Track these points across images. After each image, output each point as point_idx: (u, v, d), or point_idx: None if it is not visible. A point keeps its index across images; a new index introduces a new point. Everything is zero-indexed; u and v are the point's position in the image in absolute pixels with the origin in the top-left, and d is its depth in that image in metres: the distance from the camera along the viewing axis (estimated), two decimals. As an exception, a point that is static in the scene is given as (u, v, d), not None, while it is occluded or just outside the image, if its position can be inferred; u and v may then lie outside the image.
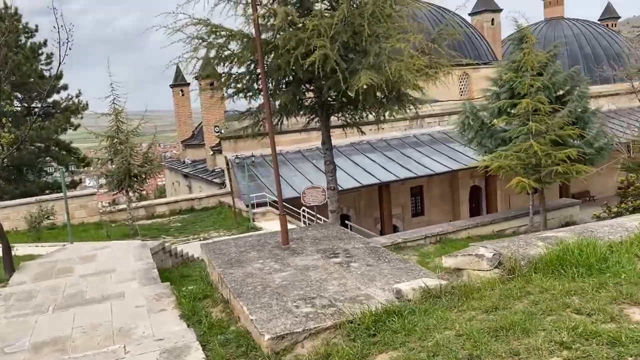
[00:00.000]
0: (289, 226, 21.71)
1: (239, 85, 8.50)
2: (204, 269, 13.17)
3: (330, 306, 4.92)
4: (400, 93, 8.34)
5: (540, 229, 18.55)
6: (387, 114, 8.98)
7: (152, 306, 6.35)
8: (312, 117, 9.37)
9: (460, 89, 34.43)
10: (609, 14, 50.79)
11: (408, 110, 9.29)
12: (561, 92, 16.69)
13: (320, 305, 4.92)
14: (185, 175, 33.55)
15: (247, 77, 7.74)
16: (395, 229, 27.11)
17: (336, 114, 9.13)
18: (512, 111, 17.79)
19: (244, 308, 5.05)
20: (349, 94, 7.22)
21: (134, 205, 21.74)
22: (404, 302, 4.82)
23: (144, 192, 23.46)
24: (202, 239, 20.00)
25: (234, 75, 8.64)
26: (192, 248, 17.21)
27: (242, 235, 17.81)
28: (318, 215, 21.18)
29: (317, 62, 6.84)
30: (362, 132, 10.74)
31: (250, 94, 8.34)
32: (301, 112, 9.30)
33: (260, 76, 7.78)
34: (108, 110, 19.78)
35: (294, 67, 7.42)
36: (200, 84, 30.42)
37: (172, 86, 36.21)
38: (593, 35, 41.87)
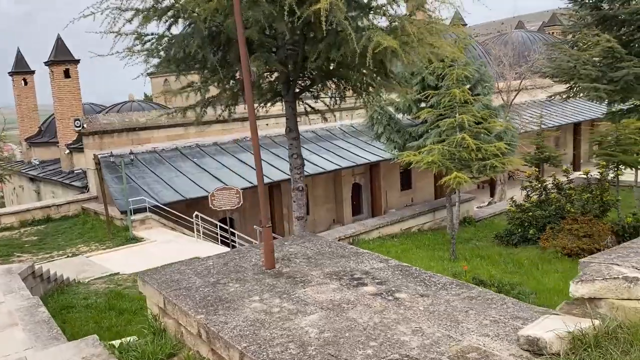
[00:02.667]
0: (175, 237, 18.93)
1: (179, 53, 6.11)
2: (140, 303, 10.23)
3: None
4: (388, 68, 6.71)
5: (450, 225, 18.25)
6: (363, 94, 7.21)
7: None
8: (267, 98, 7.32)
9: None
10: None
11: (396, 90, 7.67)
12: (469, 86, 16.41)
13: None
14: (32, 179, 28.48)
15: (196, 41, 5.47)
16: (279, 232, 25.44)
17: (300, 95, 7.21)
18: (422, 104, 17.20)
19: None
20: (343, 61, 5.41)
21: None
22: (548, 358, 3.20)
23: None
24: (70, 254, 16.50)
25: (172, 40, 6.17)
26: (60, 267, 13.89)
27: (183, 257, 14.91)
28: (218, 224, 18.72)
29: (323, 13, 4.94)
30: (325, 119, 8.85)
31: (198, 65, 6.06)
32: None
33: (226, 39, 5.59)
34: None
35: (272, 25, 5.38)
36: (51, 71, 25.97)
37: (11, 74, 30.61)
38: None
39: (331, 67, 6.14)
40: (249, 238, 20.48)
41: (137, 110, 26.74)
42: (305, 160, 25.93)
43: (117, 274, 14.00)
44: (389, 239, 17.16)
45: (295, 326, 3.96)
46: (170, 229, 19.64)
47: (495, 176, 22.47)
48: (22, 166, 29.90)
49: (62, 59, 25.14)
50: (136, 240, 17.78)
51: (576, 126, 38.58)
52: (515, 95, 27.68)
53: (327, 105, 8.42)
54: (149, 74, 29.74)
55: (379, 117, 16.88)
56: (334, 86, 7.13)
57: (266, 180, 23.27)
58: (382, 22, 6.11)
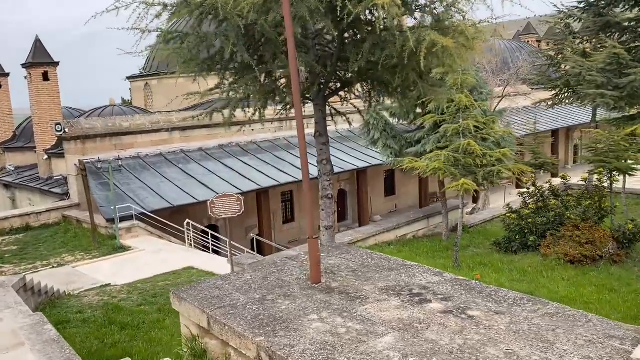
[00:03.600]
0: (164, 246, 18.31)
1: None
2: (141, 317, 9.56)
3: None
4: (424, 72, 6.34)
5: (443, 232, 18.10)
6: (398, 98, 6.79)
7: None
8: (288, 102, 6.89)
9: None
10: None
11: (436, 94, 7.30)
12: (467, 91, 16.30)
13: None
14: (7, 185, 27.36)
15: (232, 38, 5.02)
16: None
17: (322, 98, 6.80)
18: (418, 110, 17.04)
19: None
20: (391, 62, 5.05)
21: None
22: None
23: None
24: (55, 265, 15.77)
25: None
26: (46, 279, 13.17)
27: (218, 272, 14.31)
28: (210, 232, 18.15)
29: (382, 10, 4.59)
30: (350, 123, 8.27)
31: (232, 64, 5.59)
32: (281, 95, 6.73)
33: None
34: None
35: (317, 20, 5.00)
36: (29, 73, 25.00)
37: (-16, 76, 29.43)
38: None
39: (367, 69, 5.83)
40: (241, 247, 19.99)
41: (118, 115, 25.96)
42: (292, 167, 25.66)
43: (109, 285, 13.37)
44: (385, 246, 16.90)
45: (372, 350, 3.60)
46: (157, 237, 19.01)
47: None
48: (-4, 172, 28.72)
49: (40, 61, 24.23)
50: (124, 249, 17.11)
51: (554, 132, 39.13)
52: (499, 102, 27.85)
53: (356, 108, 8.06)
54: (147, 74, 28.97)
55: (375, 122, 16.64)
56: (361, 89, 6.79)
57: (254, 186, 22.87)
58: (417, 21, 5.86)
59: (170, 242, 18.94)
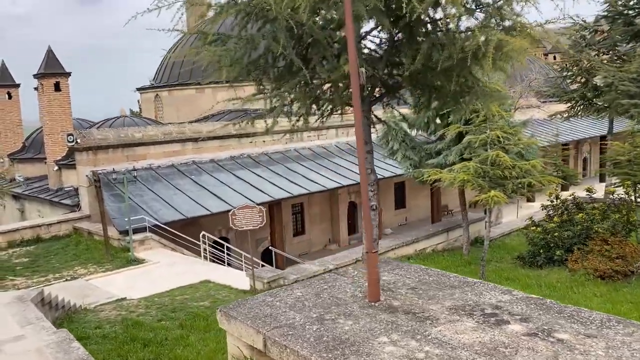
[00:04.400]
0: (179, 259, 17.94)
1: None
2: (165, 333, 9.12)
3: None
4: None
5: (464, 246, 17.71)
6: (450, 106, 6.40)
7: None
8: (331, 108, 6.52)
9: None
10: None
11: (493, 100, 6.97)
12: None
13: None
14: (16, 196, 27.07)
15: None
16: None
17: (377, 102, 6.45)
18: (437, 121, 16.74)
19: None
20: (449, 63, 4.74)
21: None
22: None
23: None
24: (68, 278, 15.41)
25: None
26: (60, 292, 12.76)
27: (267, 289, 13.86)
28: (233, 247, 17.77)
29: (455, 8, 4.31)
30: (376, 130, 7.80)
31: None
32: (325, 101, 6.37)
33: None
34: None
35: (369, 19, 4.71)
36: (41, 84, 24.84)
37: (-6, 86, 29.30)
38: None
39: (417, 72, 5.51)
40: (256, 260, 19.60)
41: (129, 126, 25.75)
42: (303, 178, 25.35)
43: (124, 299, 12.99)
44: (404, 260, 16.50)
45: (462, 378, 3.25)
46: (170, 250, 18.65)
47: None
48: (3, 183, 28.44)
49: (52, 71, 24.06)
50: (137, 262, 16.75)
51: (563, 145, 38.81)
52: (513, 114, 27.56)
53: (402, 115, 7.74)
54: (158, 86, 28.73)
55: (394, 133, 16.34)
56: (410, 95, 6.47)
57: (266, 198, 22.50)
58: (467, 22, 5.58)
59: (184, 254, 18.58)
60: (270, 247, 21.74)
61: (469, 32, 4.98)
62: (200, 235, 17.37)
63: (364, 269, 5.68)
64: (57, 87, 24.22)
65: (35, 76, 24.64)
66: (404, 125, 16.99)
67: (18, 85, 29.69)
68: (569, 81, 24.56)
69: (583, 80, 22.69)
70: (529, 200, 30.95)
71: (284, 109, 5.59)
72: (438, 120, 16.55)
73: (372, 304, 4.58)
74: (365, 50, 5.90)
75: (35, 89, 33.36)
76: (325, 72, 5.18)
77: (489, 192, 12.07)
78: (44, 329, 7.32)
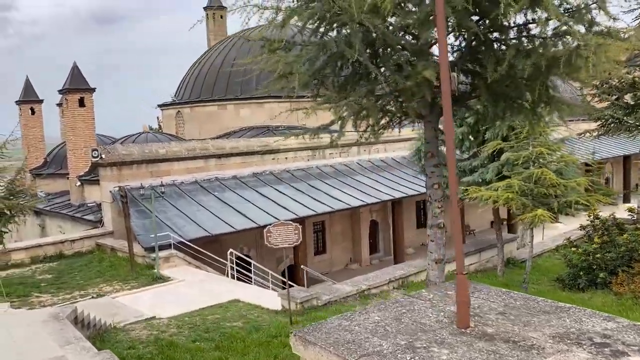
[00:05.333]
0: (205, 276, 17.58)
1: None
2: (200, 355, 8.68)
3: None
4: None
5: (499, 267, 17.15)
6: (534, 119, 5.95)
7: None
8: (393, 119, 6.20)
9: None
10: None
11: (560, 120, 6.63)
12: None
13: None
14: (37, 212, 26.94)
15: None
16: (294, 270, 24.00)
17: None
18: (470, 137, 16.36)
19: None
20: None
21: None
22: None
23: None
24: (94, 295, 15.09)
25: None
26: (87, 310, 12.39)
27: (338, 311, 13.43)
28: (259, 266, 17.37)
29: (547, 5, 4.01)
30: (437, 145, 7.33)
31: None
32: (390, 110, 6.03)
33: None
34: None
35: (455, 19, 4.39)
36: (66, 99, 24.89)
37: (19, 102, 29.48)
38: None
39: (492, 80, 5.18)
40: (281, 277, 19.19)
41: (152, 142, 25.64)
42: (327, 196, 24.96)
43: (154, 318, 12.63)
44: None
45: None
46: (194, 267, 18.30)
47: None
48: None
49: (77, 87, 24.09)
50: (163, 279, 16.41)
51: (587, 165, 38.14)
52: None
53: (469, 126, 7.41)
54: (180, 102, 28.76)
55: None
56: (480, 105, 6.13)
57: (291, 215, 22.08)
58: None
59: (208, 272, 18.23)
60: (302, 267, 21.30)
61: (556, 39, 4.64)
62: (228, 252, 17.02)
63: (438, 291, 5.29)
64: (81, 103, 24.22)
65: (60, 92, 24.71)
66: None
67: (41, 101, 29.84)
68: (597, 99, 24.10)
69: (614, 97, 22.20)
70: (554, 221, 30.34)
71: (350, 119, 5.26)
72: (471, 137, 16.16)
73: (464, 330, 4.18)
74: (435, 58, 5.59)
75: (58, 105, 33.56)
76: (400, 79, 4.85)
77: (532, 210, 11.60)
78: (85, 349, 6.98)
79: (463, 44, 5.31)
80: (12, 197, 15.00)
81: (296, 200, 23.70)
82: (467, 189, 13.50)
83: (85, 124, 24.59)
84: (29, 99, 29.45)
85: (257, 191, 23.99)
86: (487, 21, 4.39)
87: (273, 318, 12.30)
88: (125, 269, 17.67)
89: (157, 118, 46.53)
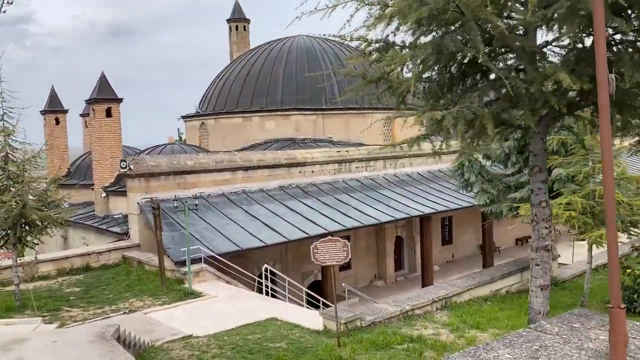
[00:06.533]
0: (237, 292, 16.99)
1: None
2: None
3: None
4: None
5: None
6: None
7: None
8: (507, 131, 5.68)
9: (384, 133, 32.70)
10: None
11: None
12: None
13: None
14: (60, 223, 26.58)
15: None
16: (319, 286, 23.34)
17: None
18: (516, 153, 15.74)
19: None
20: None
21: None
22: None
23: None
24: (126, 310, 14.59)
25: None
26: (123, 326, 11.85)
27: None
28: (293, 282, 16.80)
29: None
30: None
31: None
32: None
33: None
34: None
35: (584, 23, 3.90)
36: (93, 109, 24.67)
37: (43, 112, 29.37)
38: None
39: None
40: (316, 295, 18.57)
41: (179, 153, 25.27)
42: (355, 210, 24.37)
43: (191, 336, 12.08)
44: (481, 302, 15.31)
45: None
46: (225, 282, 17.76)
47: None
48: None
49: (105, 97, 23.87)
50: (195, 295, 15.88)
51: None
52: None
53: (515, 140, 6.90)
54: (204, 114, 28.48)
55: (470, 164, 15.39)
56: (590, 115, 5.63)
57: (320, 231, 21.50)
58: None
59: (238, 287, 17.68)
60: (343, 285, 20.71)
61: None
62: (262, 268, 16.46)
63: (561, 324, 4.70)
64: (108, 113, 23.98)
65: (87, 101, 24.50)
66: (479, 156, 16.05)
67: (66, 111, 29.73)
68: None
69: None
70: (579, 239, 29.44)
71: (460, 127, 4.72)
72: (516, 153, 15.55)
73: (622, 371, 3.60)
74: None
75: (82, 115, 33.42)
76: (521, 83, 4.31)
77: (592, 229, 10.97)
78: (142, 376, 6.44)
79: (579, 45, 4.83)
80: (44, 208, 14.63)
81: (325, 215, 23.12)
82: (518, 206, 12.89)
83: (112, 135, 24.33)
84: (54, 109, 29.33)
85: (284, 204, 23.47)
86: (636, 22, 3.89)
87: (316, 339, 11.70)
88: (154, 283, 17.18)
89: (178, 130, 46.41)
